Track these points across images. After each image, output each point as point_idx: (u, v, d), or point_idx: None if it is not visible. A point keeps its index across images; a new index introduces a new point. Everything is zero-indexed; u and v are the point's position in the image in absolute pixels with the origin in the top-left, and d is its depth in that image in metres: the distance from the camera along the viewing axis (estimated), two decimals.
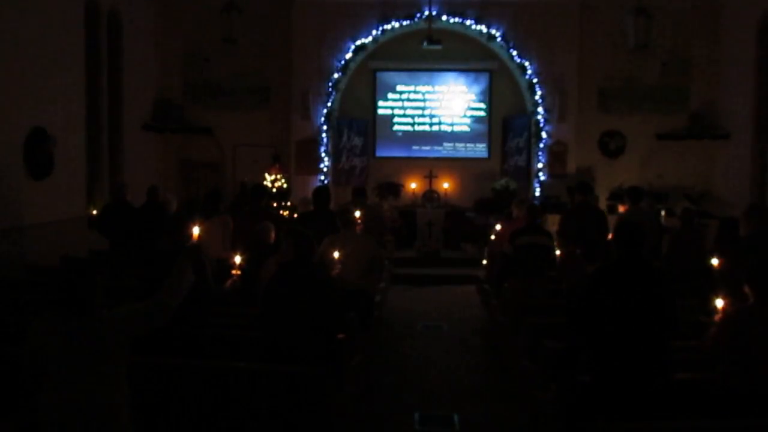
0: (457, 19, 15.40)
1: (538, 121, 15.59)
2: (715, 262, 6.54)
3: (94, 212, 11.06)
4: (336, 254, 6.88)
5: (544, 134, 15.58)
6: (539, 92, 15.51)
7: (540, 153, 15.63)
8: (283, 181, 14.81)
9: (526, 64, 15.46)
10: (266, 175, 14.68)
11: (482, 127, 16.87)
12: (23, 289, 8.08)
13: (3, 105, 9.58)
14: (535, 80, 15.49)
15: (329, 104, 15.66)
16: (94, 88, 12.69)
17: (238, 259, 5.83)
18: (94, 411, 3.70)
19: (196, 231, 4.82)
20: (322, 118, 15.67)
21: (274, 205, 13.15)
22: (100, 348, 3.74)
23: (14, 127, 9.86)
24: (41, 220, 10.43)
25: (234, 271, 5.81)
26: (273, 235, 7.74)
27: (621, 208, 10.88)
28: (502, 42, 15.47)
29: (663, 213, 13.18)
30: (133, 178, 13.23)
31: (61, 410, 3.68)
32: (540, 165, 15.64)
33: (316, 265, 5.65)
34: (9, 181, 9.76)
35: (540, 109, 15.55)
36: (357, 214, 7.92)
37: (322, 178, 15.65)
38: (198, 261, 4.90)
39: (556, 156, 15.61)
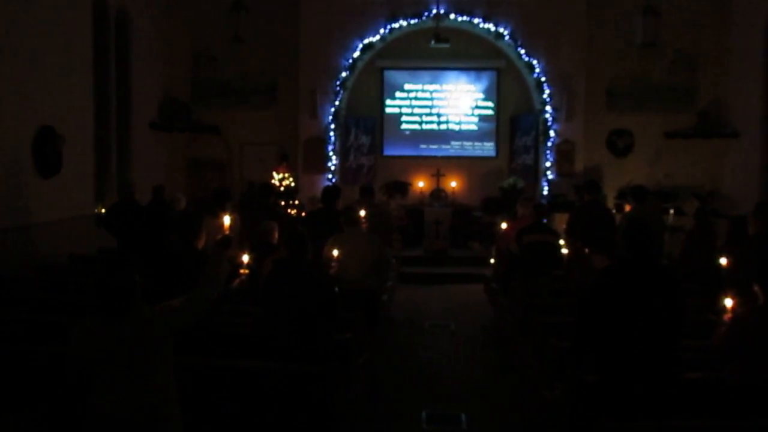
0: (464, 18, 15.37)
1: (545, 120, 15.56)
2: (723, 261, 6.51)
3: (103, 210, 11.09)
4: (335, 253, 6.88)
5: (551, 133, 15.55)
6: (547, 91, 15.47)
7: (548, 152, 15.60)
8: (290, 179, 14.82)
9: (534, 62, 15.42)
10: (274, 173, 14.69)
11: (490, 126, 16.84)
12: (32, 287, 8.11)
13: (12, 104, 9.60)
14: (542, 79, 15.45)
15: (337, 103, 15.66)
16: (102, 87, 12.72)
17: (245, 259, 5.83)
18: (145, 411, 3.66)
19: (227, 221, 4.82)
20: (330, 117, 15.68)
21: (282, 203, 13.16)
22: (145, 347, 3.69)
23: (23, 126, 9.89)
24: (50, 218, 10.46)
25: (242, 270, 5.81)
26: (276, 234, 7.74)
27: (627, 207, 10.85)
28: (509, 40, 15.43)
29: (671, 212, 13.13)
30: (140, 177, 13.26)
31: (112, 413, 3.63)
32: (548, 164, 15.61)
33: (310, 264, 5.64)
34: (18, 180, 9.79)
35: (548, 108, 15.51)
36: (362, 212, 7.92)
37: (330, 176, 15.65)
38: (206, 256, 4.89)
39: (564, 155, 15.58)
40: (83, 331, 3.75)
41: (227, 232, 4.74)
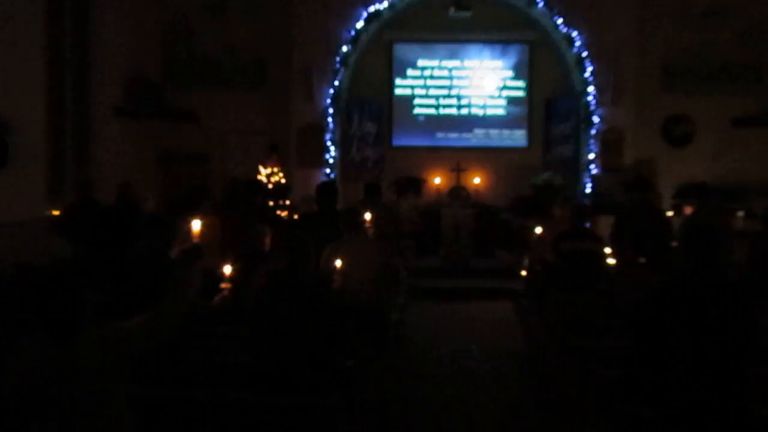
0: None
1: (587, 104, 15.54)
2: None
3: (56, 212, 11.11)
4: (338, 263, 6.87)
5: (595, 119, 15.53)
6: (589, 68, 15.44)
7: (590, 142, 15.58)
8: (281, 175, 14.83)
9: (574, 34, 15.40)
10: (261, 168, 14.70)
11: (520, 111, 16.85)
12: None
13: None
14: (584, 54, 15.43)
15: (337, 84, 15.67)
16: (56, 65, 12.74)
17: (228, 270, 5.83)
18: None
19: (196, 227, 4.81)
20: (329, 101, 15.69)
21: (271, 204, 13.17)
22: (92, 375, 3.69)
23: None
24: None
25: (224, 284, 5.82)
26: (268, 240, 7.75)
27: (687, 209, 10.82)
28: (544, 8, 15.43)
29: (740, 214, 13.08)
30: (102, 172, 13.28)
31: None
32: (590, 156, 15.59)
33: (314, 276, 5.64)
34: None
35: (590, 89, 15.49)
36: (367, 215, 7.91)
37: (328, 171, 15.66)
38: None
39: (610, 145, 15.55)
40: (19, 356, 3.75)
41: (197, 240, 4.74)
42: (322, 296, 5.43)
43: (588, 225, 9.25)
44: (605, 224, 12.07)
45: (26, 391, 3.69)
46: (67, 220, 10.43)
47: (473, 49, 16.85)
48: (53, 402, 3.65)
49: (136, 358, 3.90)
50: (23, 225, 11.15)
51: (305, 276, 5.44)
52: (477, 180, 16.53)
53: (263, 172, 14.61)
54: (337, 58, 15.62)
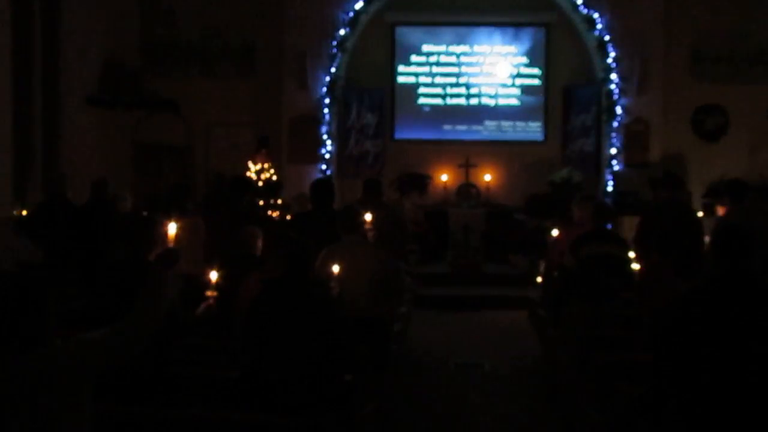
0: None
1: (610, 92, 15.56)
2: None
3: (24, 212, 11.13)
4: (335, 269, 6.89)
5: (618, 109, 15.55)
6: (612, 54, 15.47)
7: (613, 134, 15.61)
8: (272, 171, 14.85)
9: (595, 16, 15.43)
10: (250, 163, 14.72)
11: (536, 100, 16.87)
12: None
13: None
14: (606, 38, 15.45)
15: (333, 70, 15.70)
16: (23, 50, 12.77)
17: (214, 276, 5.85)
18: None
19: (172, 230, 4.82)
20: (324, 89, 15.72)
21: (261, 203, 13.20)
22: (53, 391, 3.70)
23: None
24: None
25: (209, 292, 5.83)
26: (260, 243, 7.76)
27: (720, 210, 10.83)
28: None
29: None
30: (74, 168, 13.30)
31: None
32: (613, 150, 15.61)
33: (315, 284, 5.66)
34: None
35: (613, 76, 15.51)
36: (367, 216, 7.93)
37: (324, 167, 15.69)
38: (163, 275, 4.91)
39: (635, 138, 15.57)
40: None
41: (172, 244, 4.76)
42: (324, 306, 5.44)
43: (610, 227, 9.28)
44: (629, 226, 12.11)
45: None
46: (34, 220, 10.45)
47: (483, 32, 16.87)
48: (4, 421, 3.65)
49: (105, 373, 3.91)
50: None
51: (305, 283, 5.45)
52: (488, 177, 16.53)
53: (252, 168, 14.62)
54: (334, 42, 15.65)
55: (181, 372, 5.78)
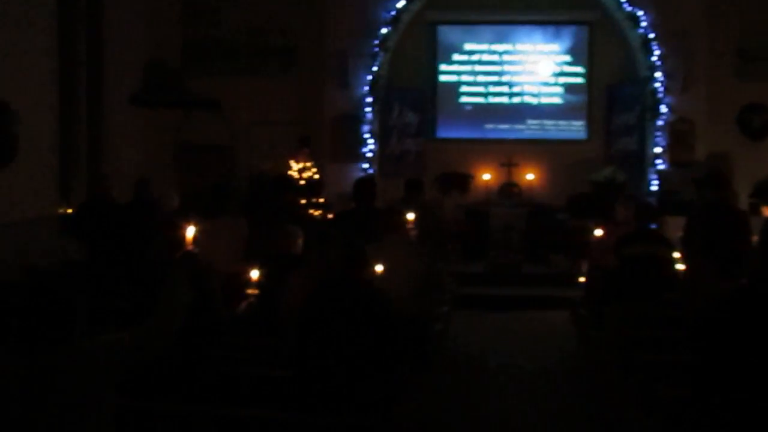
0: None
1: (654, 91, 15.45)
2: None
3: (69, 211, 11.26)
4: (378, 268, 6.89)
5: (662, 108, 15.43)
6: (657, 51, 15.35)
7: (657, 133, 15.49)
8: (313, 170, 14.89)
9: (640, 13, 15.32)
10: (291, 162, 14.78)
11: (579, 99, 16.77)
12: None
13: None
14: (650, 36, 15.34)
15: (375, 69, 15.72)
16: (68, 51, 12.89)
17: (255, 274, 5.88)
18: None
19: (190, 233, 4.83)
20: (366, 88, 15.75)
21: (302, 202, 13.24)
22: (78, 391, 3.74)
23: None
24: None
25: (250, 290, 5.86)
26: (299, 242, 7.79)
27: (766, 210, 10.70)
28: None
29: None
30: (117, 167, 13.43)
31: None
32: (657, 149, 15.49)
33: (369, 283, 5.64)
34: None
35: (657, 75, 15.39)
36: (409, 215, 7.93)
37: (366, 166, 15.72)
38: (200, 275, 4.94)
39: (680, 137, 15.45)
40: None
41: (190, 247, 4.77)
42: (380, 306, 5.42)
43: (654, 227, 9.20)
44: (673, 226, 12.00)
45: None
46: (80, 219, 10.55)
47: (526, 31, 16.80)
48: (26, 419, 3.68)
49: (136, 372, 3.96)
50: (32, 224, 11.32)
51: (360, 284, 5.44)
52: (530, 176, 16.47)
53: (294, 167, 14.67)
54: (375, 41, 15.67)
55: (222, 370, 5.81)
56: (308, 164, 14.85)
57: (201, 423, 5.00)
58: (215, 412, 5.12)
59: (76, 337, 3.78)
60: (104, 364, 3.82)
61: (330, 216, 12.73)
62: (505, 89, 16.95)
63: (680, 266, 8.56)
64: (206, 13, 16.36)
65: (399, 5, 15.61)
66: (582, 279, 10.79)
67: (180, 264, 4.45)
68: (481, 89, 16.99)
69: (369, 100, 15.79)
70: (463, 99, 17.02)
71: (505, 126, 16.93)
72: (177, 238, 5.44)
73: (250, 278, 5.88)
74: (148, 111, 15.75)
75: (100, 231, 10.21)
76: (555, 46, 16.79)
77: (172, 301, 4.18)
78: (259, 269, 5.99)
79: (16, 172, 10.97)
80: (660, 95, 15.43)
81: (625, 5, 15.35)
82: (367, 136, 15.81)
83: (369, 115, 15.82)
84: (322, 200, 14.17)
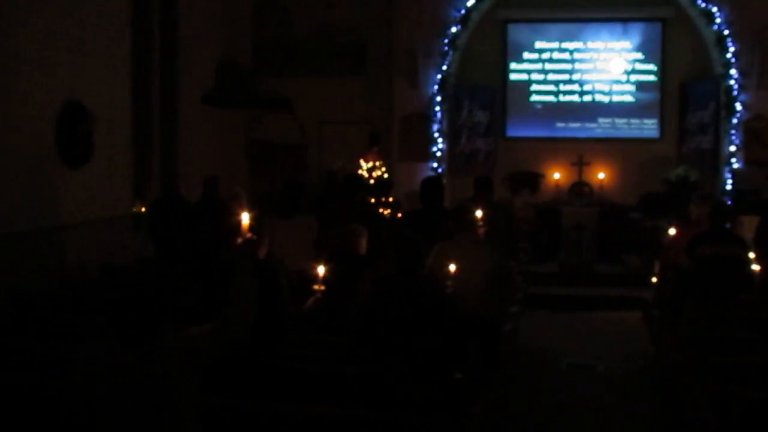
0: None
1: (729, 88, 15.20)
2: None
3: (143, 209, 11.43)
4: (452, 267, 6.88)
5: (738, 106, 15.18)
6: (731, 48, 15.10)
7: (732, 131, 15.24)
8: (383, 169, 14.92)
9: (714, 9, 15.08)
10: (361, 161, 14.83)
11: (652, 97, 16.57)
12: (55, 306, 8.43)
13: (30, 72, 9.96)
14: (725, 32, 15.09)
15: (444, 68, 15.71)
16: (142, 52, 13.09)
17: (321, 271, 5.90)
18: None
19: (245, 219, 4.81)
20: (435, 87, 15.74)
21: (372, 201, 13.26)
22: (165, 382, 3.81)
23: (44, 101, 10.23)
24: (77, 219, 10.82)
25: (317, 286, 5.88)
26: (363, 242, 7.79)
27: None
28: None
29: None
30: (191, 166, 13.61)
31: None
32: (732, 148, 15.24)
33: (427, 280, 5.64)
34: (37, 170, 10.14)
35: (732, 72, 15.14)
36: (478, 213, 7.90)
37: (435, 165, 15.71)
38: (268, 268, 4.96)
39: (756, 135, 15.18)
40: (87, 358, 3.89)
41: (249, 235, 4.77)
42: (438, 302, 5.41)
43: (728, 226, 9.04)
44: (749, 225, 11.79)
45: (93, 397, 3.81)
46: (150, 217, 10.71)
47: (597, 28, 16.65)
48: (118, 410, 3.75)
49: (210, 368, 4.01)
50: (108, 222, 11.51)
51: (418, 280, 5.43)
52: (601, 175, 16.32)
53: (363, 166, 14.72)
54: (445, 40, 15.66)
55: (288, 364, 5.84)
56: (378, 163, 14.89)
57: (264, 419, 5.03)
58: (280, 408, 5.15)
59: (161, 333, 3.85)
60: (190, 357, 3.89)
61: (399, 215, 12.74)
62: (575, 87, 16.82)
63: (756, 267, 8.42)
64: (277, 14, 16.50)
65: (469, 4, 15.58)
66: (654, 279, 10.69)
67: (243, 252, 4.48)
68: (551, 88, 16.88)
69: (438, 99, 15.78)
70: (534, 98, 16.93)
71: (576, 125, 16.80)
72: (233, 224, 5.46)
73: (317, 275, 5.89)
74: (220, 111, 15.92)
75: (170, 229, 10.35)
76: (626, 44, 16.61)
77: (241, 291, 4.22)
78: (325, 266, 6.00)
79: (92, 172, 11.16)
80: (735, 92, 15.19)
81: (699, 2, 15.13)
82: (436, 135, 15.81)
83: (438, 114, 15.81)
84: (391, 199, 14.18)
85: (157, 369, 3.78)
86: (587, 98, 16.80)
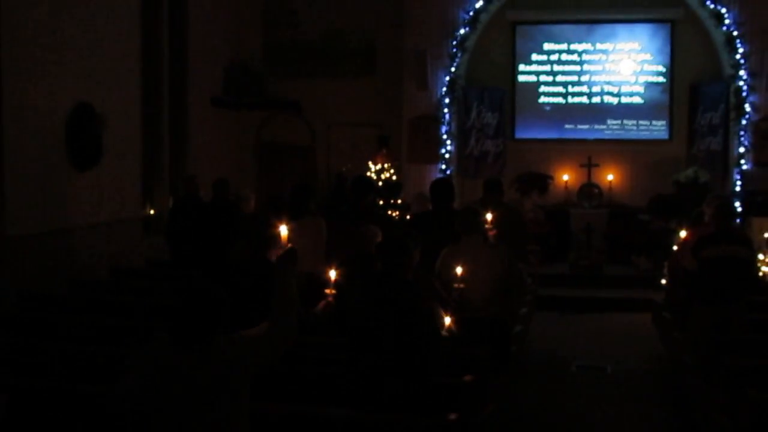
0: None
1: (739, 89, 15.17)
2: None
3: (152, 212, 11.46)
4: (459, 270, 6.88)
5: (747, 107, 15.15)
6: (741, 49, 15.08)
7: (742, 133, 15.21)
8: (392, 171, 14.93)
9: (723, 11, 15.06)
10: (370, 163, 14.84)
11: (661, 98, 16.54)
12: (67, 308, 8.47)
13: (40, 75, 10.02)
14: (735, 33, 15.07)
15: (453, 69, 15.71)
16: (151, 54, 13.13)
17: (333, 274, 5.91)
18: None
19: (284, 231, 4.91)
20: (444, 88, 15.74)
21: (381, 203, 13.28)
22: (219, 386, 3.84)
23: (54, 103, 10.30)
24: (86, 222, 10.87)
25: (328, 290, 5.89)
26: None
27: None
28: None
29: None
30: (200, 168, 13.63)
31: None
32: (741, 149, 15.21)
33: (406, 281, 5.61)
34: (46, 173, 10.20)
35: (742, 73, 15.12)
36: (487, 216, 7.91)
37: (444, 167, 15.71)
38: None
39: (765, 136, 15.14)
40: (144, 359, 3.91)
41: (288, 244, 4.84)
42: (413, 302, 5.38)
43: (738, 225, 9.02)
44: (758, 227, 11.80)
45: (146, 398, 3.84)
46: (171, 220, 10.75)
47: (606, 30, 16.61)
48: (172, 413, 3.80)
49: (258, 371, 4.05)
50: (117, 226, 11.55)
51: (396, 282, 5.42)
52: (611, 177, 16.29)
53: (372, 168, 14.73)
54: (454, 42, 15.66)
55: (299, 367, 5.86)
56: (387, 165, 14.90)
57: (274, 419, 5.04)
58: (290, 411, 5.17)
59: (215, 336, 3.89)
60: (244, 359, 3.93)
61: (408, 217, 12.76)
62: (584, 89, 16.79)
63: (765, 268, 8.41)
64: (286, 16, 16.53)
65: (477, 5, 15.58)
66: (664, 281, 10.68)
67: (286, 260, 4.52)
68: (560, 89, 16.86)
69: (447, 100, 15.78)
70: (543, 99, 16.90)
71: (585, 126, 16.77)
72: (273, 235, 5.50)
73: (328, 278, 5.90)
74: (230, 113, 15.96)
75: (185, 231, 10.38)
76: (635, 45, 16.58)
77: (286, 296, 4.26)
78: (336, 270, 6.01)
79: (102, 174, 11.20)
80: (744, 94, 15.15)
81: (709, 3, 15.10)
82: (445, 137, 15.81)
83: (447, 116, 15.81)
84: (400, 201, 14.20)
85: (212, 370, 3.82)
86: (596, 100, 16.77)
